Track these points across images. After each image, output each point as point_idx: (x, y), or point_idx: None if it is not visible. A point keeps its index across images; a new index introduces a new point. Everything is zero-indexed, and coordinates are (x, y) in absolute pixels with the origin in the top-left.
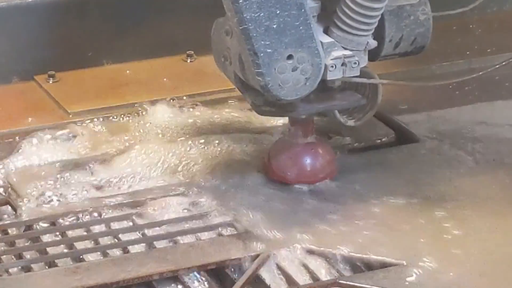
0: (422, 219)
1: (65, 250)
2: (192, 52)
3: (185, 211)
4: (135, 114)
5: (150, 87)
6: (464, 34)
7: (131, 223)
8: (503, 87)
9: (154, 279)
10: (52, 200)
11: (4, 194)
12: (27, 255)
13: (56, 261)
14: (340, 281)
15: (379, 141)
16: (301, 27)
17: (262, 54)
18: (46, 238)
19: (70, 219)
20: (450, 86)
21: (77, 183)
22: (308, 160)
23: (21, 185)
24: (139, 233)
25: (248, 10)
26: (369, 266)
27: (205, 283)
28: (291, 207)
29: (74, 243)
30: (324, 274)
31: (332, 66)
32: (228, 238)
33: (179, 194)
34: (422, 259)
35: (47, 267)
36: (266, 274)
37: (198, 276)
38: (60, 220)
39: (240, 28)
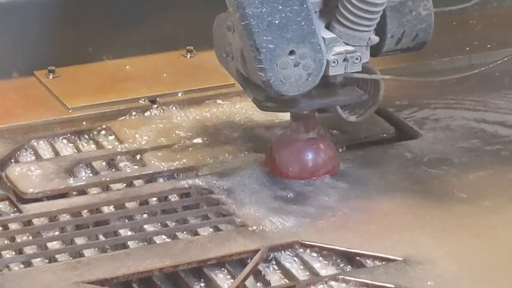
0: (423, 215)
1: (65, 245)
2: (192, 48)
3: (186, 205)
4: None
5: (150, 82)
6: (464, 29)
7: (129, 219)
8: (503, 83)
9: (154, 274)
10: (52, 196)
11: (4, 189)
12: (28, 250)
13: (56, 256)
14: (340, 276)
15: (379, 137)
16: (303, 23)
17: (264, 50)
18: (46, 233)
19: (70, 215)
20: (453, 81)
21: (79, 179)
22: (310, 156)
23: (21, 180)
24: (138, 227)
25: (250, 6)
26: (370, 262)
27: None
28: (292, 202)
29: (74, 239)
30: (324, 269)
31: (334, 62)
32: (228, 234)
33: (181, 189)
34: (423, 255)
35: (47, 262)
36: (266, 270)
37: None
38: (60, 216)
39: (242, 23)
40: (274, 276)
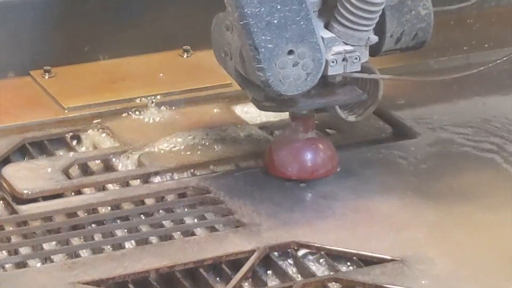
0: (420, 215)
1: (61, 246)
2: (189, 47)
3: (183, 205)
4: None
5: (147, 82)
6: (462, 29)
7: (125, 219)
8: (501, 82)
9: (150, 275)
10: (47, 196)
11: None
12: (23, 250)
13: (52, 256)
14: (337, 277)
15: (376, 136)
16: (302, 22)
17: (263, 49)
18: (41, 233)
19: (66, 215)
20: (451, 80)
21: (74, 179)
22: (309, 156)
23: (16, 180)
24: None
25: (248, 5)
26: (367, 262)
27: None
28: (290, 202)
29: (70, 239)
30: (321, 270)
31: (333, 61)
32: (225, 234)
33: (177, 189)
34: (420, 255)
35: (43, 263)
36: (262, 270)
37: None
38: (56, 216)
39: (241, 23)
40: (270, 277)
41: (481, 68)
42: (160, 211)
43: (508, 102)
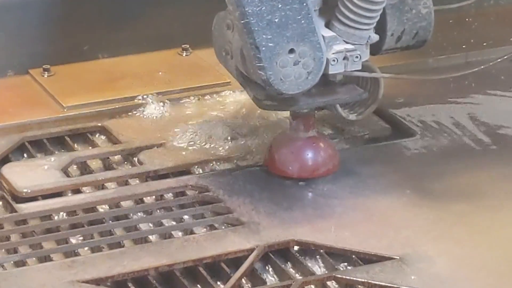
0: (419, 213)
1: (60, 245)
2: (188, 46)
3: (181, 204)
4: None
5: (146, 80)
6: (461, 27)
7: (124, 218)
8: (499, 81)
9: (149, 273)
10: (47, 195)
11: None
12: (22, 249)
13: (51, 255)
14: (336, 275)
15: (375, 135)
16: (302, 21)
17: (263, 48)
18: (40, 232)
19: (65, 214)
20: (450, 79)
21: (74, 178)
22: (309, 155)
23: (15, 179)
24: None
25: (249, 4)
26: (366, 260)
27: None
28: (289, 201)
29: (69, 238)
30: (320, 268)
31: (334, 60)
32: (224, 232)
33: (176, 188)
34: (419, 254)
35: (42, 262)
36: (261, 269)
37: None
38: (55, 215)
39: (242, 22)
40: (269, 275)
41: (482, 67)
42: (159, 209)
43: (507, 100)
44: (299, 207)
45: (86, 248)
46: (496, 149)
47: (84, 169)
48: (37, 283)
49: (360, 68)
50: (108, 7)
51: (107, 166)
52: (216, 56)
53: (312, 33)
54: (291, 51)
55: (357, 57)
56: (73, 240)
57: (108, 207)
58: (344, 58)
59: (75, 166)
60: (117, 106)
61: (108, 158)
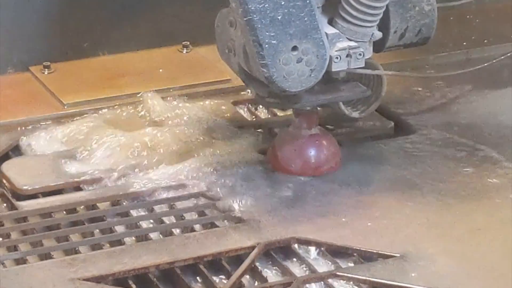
0: (421, 211)
1: (61, 242)
2: (188, 43)
3: (186, 201)
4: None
5: (146, 78)
6: (462, 24)
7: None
8: (500, 77)
9: (150, 271)
10: (47, 192)
11: None
12: (23, 247)
13: (51, 253)
14: (337, 273)
15: (377, 132)
16: (306, 18)
17: (267, 46)
18: (41, 230)
19: (65, 211)
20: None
21: (74, 175)
22: (312, 152)
23: (15, 176)
24: (136, 224)
25: (253, 1)
26: (367, 258)
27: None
28: (292, 199)
29: (70, 235)
30: (321, 265)
31: (337, 58)
32: (225, 230)
33: (177, 185)
34: (420, 252)
35: (42, 259)
36: (262, 266)
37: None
38: (56, 212)
39: (245, 19)
40: (271, 273)
41: (485, 64)
42: (160, 207)
43: (508, 97)
44: (300, 205)
45: (86, 246)
46: (497, 147)
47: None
48: (38, 280)
49: (363, 65)
50: (108, 4)
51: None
52: (219, 53)
53: (315, 30)
54: (294, 48)
55: (360, 54)
56: (73, 238)
57: (108, 205)
58: (347, 56)
59: (75, 163)
60: (117, 103)
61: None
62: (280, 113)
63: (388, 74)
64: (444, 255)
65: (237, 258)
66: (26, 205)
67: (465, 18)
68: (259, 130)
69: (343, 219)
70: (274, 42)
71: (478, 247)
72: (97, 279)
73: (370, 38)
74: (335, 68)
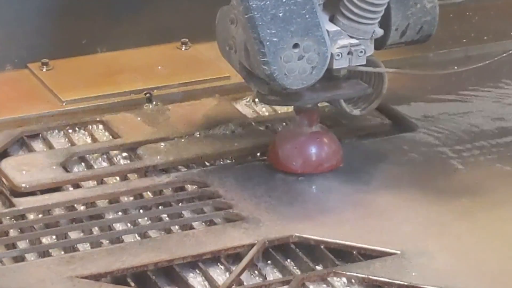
0: (420, 208)
1: (59, 240)
2: (187, 40)
3: (185, 199)
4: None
5: (145, 75)
6: (461, 21)
7: (124, 213)
8: (500, 75)
9: (149, 269)
10: (45, 190)
11: None
12: (21, 244)
13: (50, 250)
14: (336, 271)
15: (376, 130)
16: (307, 16)
17: (268, 43)
18: (39, 227)
19: (64, 209)
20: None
21: (73, 173)
22: (313, 150)
23: (14, 174)
24: (133, 222)
25: None
26: (366, 256)
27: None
28: (292, 196)
29: (68, 233)
30: (320, 263)
31: (338, 55)
32: (224, 227)
33: (176, 182)
34: (419, 249)
35: (41, 257)
36: (262, 264)
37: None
38: (54, 209)
39: (246, 16)
40: (270, 271)
41: (487, 61)
42: (159, 204)
43: (508, 94)
44: (300, 202)
45: (85, 244)
46: (497, 144)
47: (83, 163)
48: (36, 278)
49: (364, 63)
50: (107, 1)
51: (106, 161)
52: (220, 50)
53: (316, 27)
54: (295, 45)
55: (361, 51)
56: (72, 235)
57: (107, 202)
58: (348, 53)
59: (74, 161)
60: (116, 101)
61: (107, 152)
62: (280, 111)
63: (390, 72)
64: (444, 253)
65: (236, 255)
66: (24, 202)
67: (465, 15)
68: (259, 128)
69: (342, 217)
70: (275, 39)
71: (478, 244)
72: (96, 277)
73: (372, 36)
74: (336, 65)
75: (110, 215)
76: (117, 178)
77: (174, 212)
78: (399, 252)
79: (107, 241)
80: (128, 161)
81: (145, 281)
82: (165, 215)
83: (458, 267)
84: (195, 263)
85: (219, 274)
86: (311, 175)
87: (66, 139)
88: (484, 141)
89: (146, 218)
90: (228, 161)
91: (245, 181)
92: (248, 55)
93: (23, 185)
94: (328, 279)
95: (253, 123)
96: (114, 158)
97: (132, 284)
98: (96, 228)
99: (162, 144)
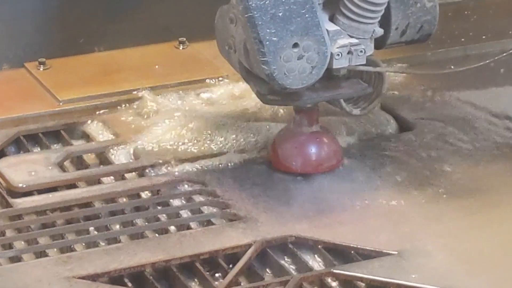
0: (419, 209)
1: (56, 240)
2: (185, 39)
3: (179, 199)
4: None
5: (142, 74)
6: (460, 20)
7: (121, 213)
8: (498, 74)
9: (146, 269)
10: (42, 190)
11: None
12: (17, 245)
13: (46, 251)
14: (334, 271)
15: (375, 129)
16: (307, 15)
17: (267, 42)
18: (36, 227)
19: (60, 209)
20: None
21: (69, 173)
22: (313, 150)
23: (11, 174)
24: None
25: None
26: (364, 256)
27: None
28: (291, 196)
29: (65, 233)
30: (318, 264)
31: (338, 55)
32: (221, 227)
33: (173, 182)
34: (418, 249)
35: (37, 257)
36: (259, 264)
37: None
38: (51, 210)
39: (246, 16)
40: (267, 271)
41: (487, 61)
42: (156, 204)
43: (507, 93)
44: (298, 202)
45: (82, 244)
46: (497, 144)
47: (80, 163)
48: (33, 278)
49: (364, 62)
50: (104, 0)
51: (103, 161)
52: (219, 50)
53: (316, 27)
54: (295, 45)
55: (361, 51)
56: (68, 236)
57: (104, 202)
58: (348, 52)
59: (70, 161)
60: (113, 100)
61: (104, 152)
62: (280, 110)
63: (390, 71)
64: (442, 253)
65: (233, 256)
66: (21, 203)
67: (463, 14)
68: (259, 127)
69: (341, 217)
70: (275, 39)
71: (477, 244)
72: (93, 277)
73: (371, 35)
74: (336, 65)
75: (107, 215)
76: (114, 178)
77: (172, 212)
78: (397, 252)
79: (104, 241)
80: (125, 161)
81: (142, 281)
82: (163, 215)
83: (457, 267)
84: (193, 263)
85: (216, 274)
86: (309, 175)
87: (63, 139)
88: (485, 140)
89: (143, 218)
90: (226, 160)
91: (243, 181)
92: (248, 54)
93: (20, 185)
94: (326, 279)
95: (256, 122)
96: (111, 157)
97: (129, 284)
98: (93, 228)
99: (160, 143)
